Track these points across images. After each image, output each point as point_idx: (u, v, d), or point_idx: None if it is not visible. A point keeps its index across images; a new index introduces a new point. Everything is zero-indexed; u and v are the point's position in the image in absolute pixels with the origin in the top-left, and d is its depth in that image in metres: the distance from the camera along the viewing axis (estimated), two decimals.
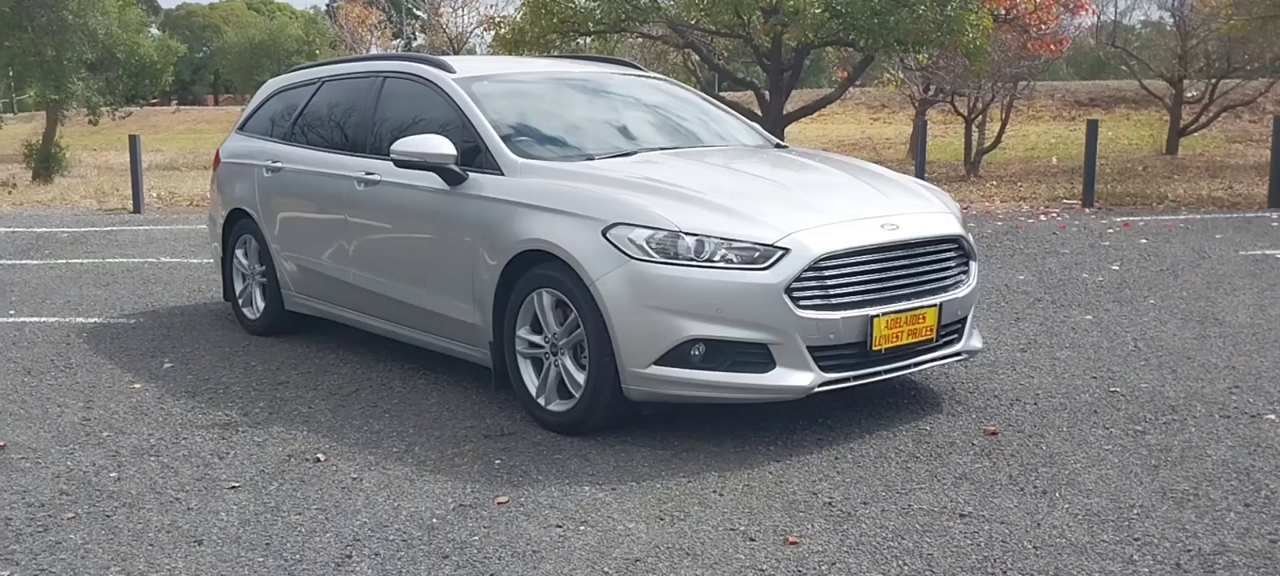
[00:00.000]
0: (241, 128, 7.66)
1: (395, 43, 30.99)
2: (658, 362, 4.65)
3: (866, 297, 4.76)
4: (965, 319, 5.24)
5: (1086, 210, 13.43)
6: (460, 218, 5.45)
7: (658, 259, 4.64)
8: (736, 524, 3.96)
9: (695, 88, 21.79)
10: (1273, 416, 5.06)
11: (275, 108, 7.37)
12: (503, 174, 5.35)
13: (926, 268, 5.01)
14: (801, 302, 4.62)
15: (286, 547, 3.84)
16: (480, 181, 5.40)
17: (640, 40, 20.23)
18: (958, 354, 5.23)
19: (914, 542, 3.79)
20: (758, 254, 4.62)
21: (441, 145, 5.44)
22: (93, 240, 11.85)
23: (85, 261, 10.35)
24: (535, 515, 4.07)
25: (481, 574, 3.60)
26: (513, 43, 17.52)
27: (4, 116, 40.10)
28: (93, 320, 7.65)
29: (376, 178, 5.98)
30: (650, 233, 4.68)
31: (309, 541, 3.88)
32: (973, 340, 5.36)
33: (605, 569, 3.62)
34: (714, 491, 4.27)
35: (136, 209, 14.94)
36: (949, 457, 4.59)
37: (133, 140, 15.13)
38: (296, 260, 6.78)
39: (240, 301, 7.40)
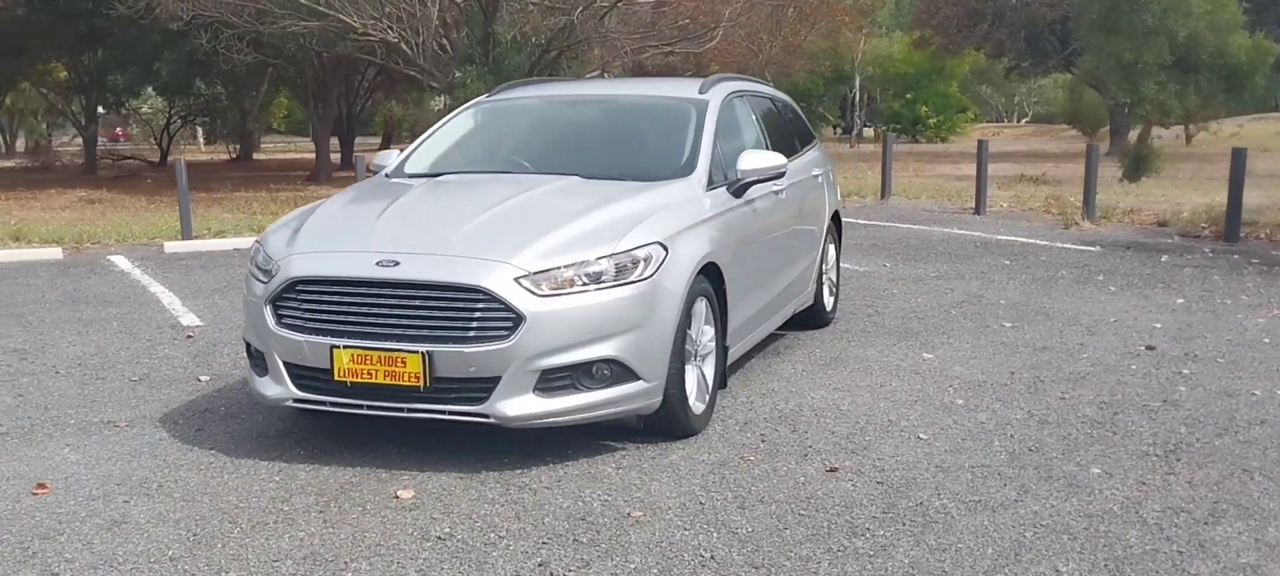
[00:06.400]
0: None
1: None
2: (248, 355, 5.30)
3: (332, 327, 4.75)
4: (497, 378, 4.54)
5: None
6: None
7: (253, 269, 5.24)
8: (100, 510, 4.44)
9: None
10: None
11: None
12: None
13: (419, 313, 4.65)
14: (284, 320, 4.87)
15: None
16: None
17: None
18: (477, 414, 4.63)
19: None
20: (265, 272, 5.02)
21: (386, 157, 6.38)
22: None
23: None
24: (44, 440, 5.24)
25: None
26: None
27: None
28: None
29: None
30: (256, 248, 5.34)
31: None
32: (504, 406, 4.57)
33: None
34: (158, 484, 4.77)
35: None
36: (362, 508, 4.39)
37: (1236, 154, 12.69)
38: None
39: None
